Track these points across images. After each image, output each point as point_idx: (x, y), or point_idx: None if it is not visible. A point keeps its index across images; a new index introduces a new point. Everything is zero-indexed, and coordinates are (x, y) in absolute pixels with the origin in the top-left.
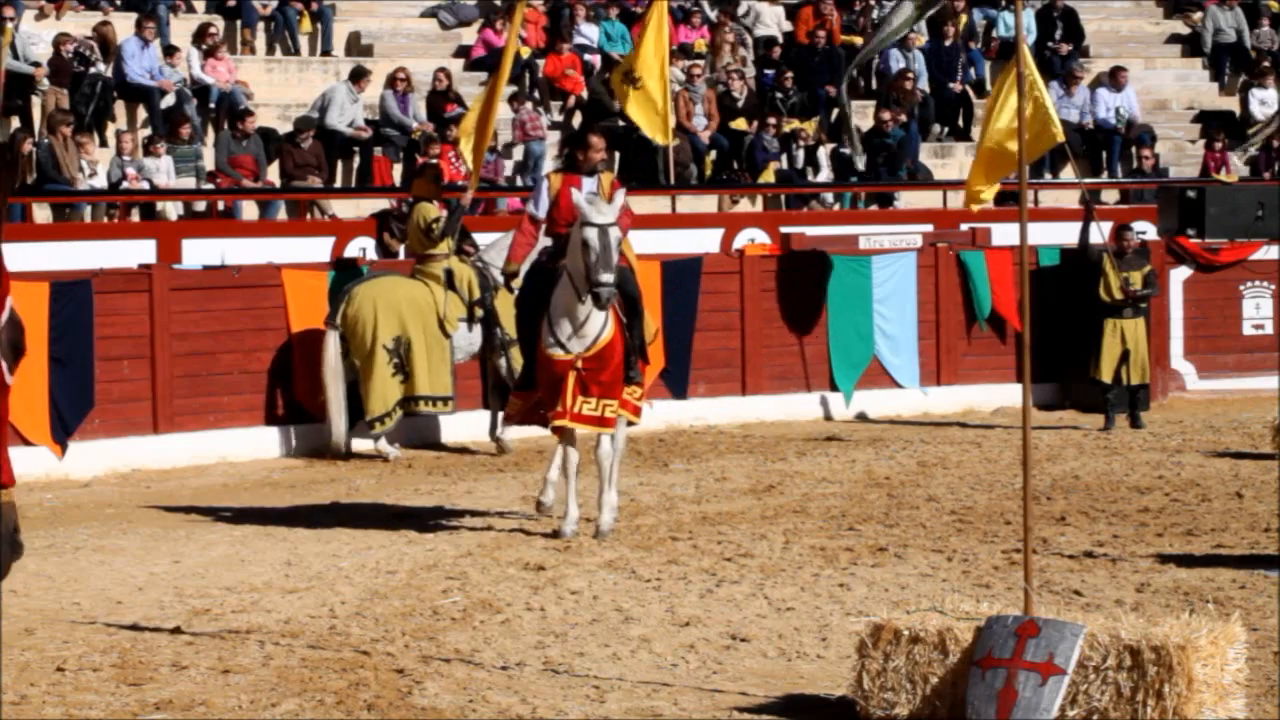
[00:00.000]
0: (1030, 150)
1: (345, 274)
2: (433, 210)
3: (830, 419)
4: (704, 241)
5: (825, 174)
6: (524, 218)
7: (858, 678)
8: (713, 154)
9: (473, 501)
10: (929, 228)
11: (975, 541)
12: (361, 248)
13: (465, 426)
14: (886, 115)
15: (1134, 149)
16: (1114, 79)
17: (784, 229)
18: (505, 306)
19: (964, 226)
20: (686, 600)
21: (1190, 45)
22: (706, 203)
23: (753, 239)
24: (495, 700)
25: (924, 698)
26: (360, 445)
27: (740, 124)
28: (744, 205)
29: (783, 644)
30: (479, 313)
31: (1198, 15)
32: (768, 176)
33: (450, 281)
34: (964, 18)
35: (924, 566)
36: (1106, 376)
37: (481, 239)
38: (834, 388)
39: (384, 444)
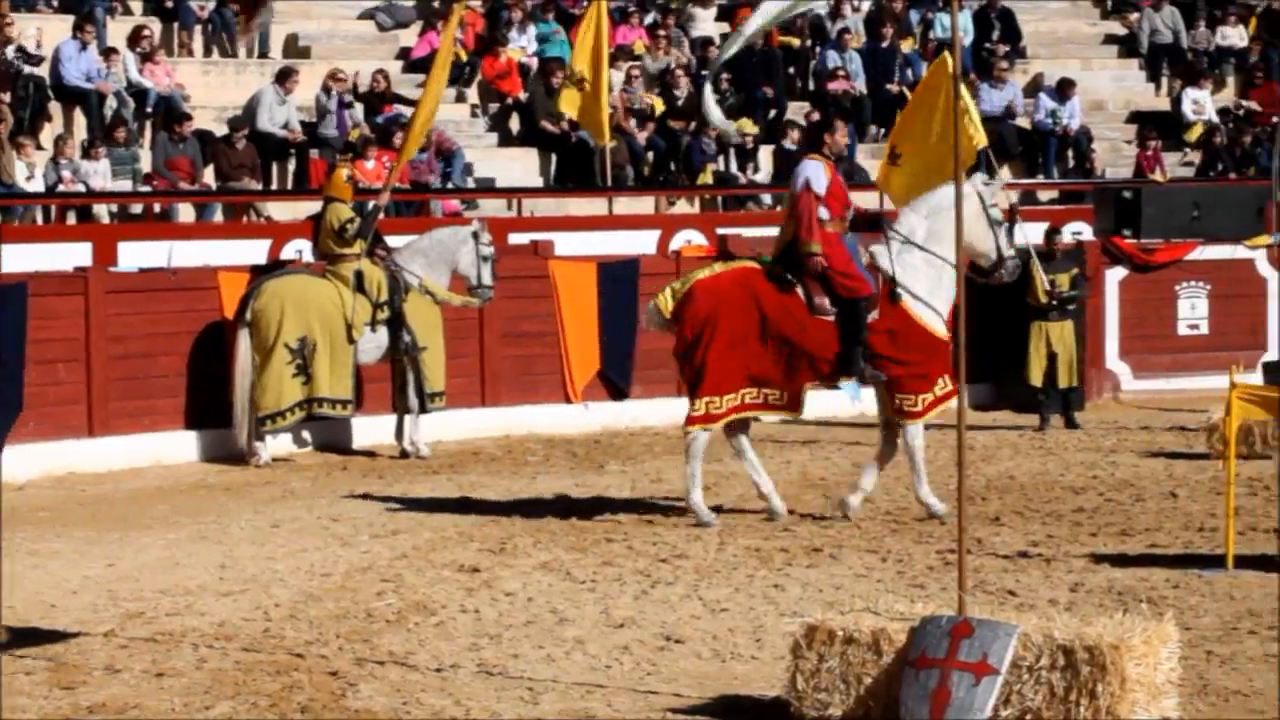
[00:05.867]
0: (948, 159)
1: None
2: (346, 211)
3: (760, 420)
4: (641, 243)
5: (763, 174)
6: (810, 196)
7: (792, 678)
8: (650, 155)
9: (408, 504)
10: None
11: (910, 542)
12: (298, 250)
13: (375, 429)
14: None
15: (1070, 151)
16: (1061, 91)
17: (720, 230)
18: (415, 311)
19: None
20: (621, 601)
21: (1127, 46)
22: (644, 204)
23: (689, 240)
24: (429, 702)
25: (858, 698)
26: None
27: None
28: (681, 206)
29: (717, 645)
30: (384, 314)
31: (1134, 16)
32: (706, 178)
33: (360, 284)
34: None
35: (859, 567)
36: (1036, 380)
37: (401, 240)
38: None
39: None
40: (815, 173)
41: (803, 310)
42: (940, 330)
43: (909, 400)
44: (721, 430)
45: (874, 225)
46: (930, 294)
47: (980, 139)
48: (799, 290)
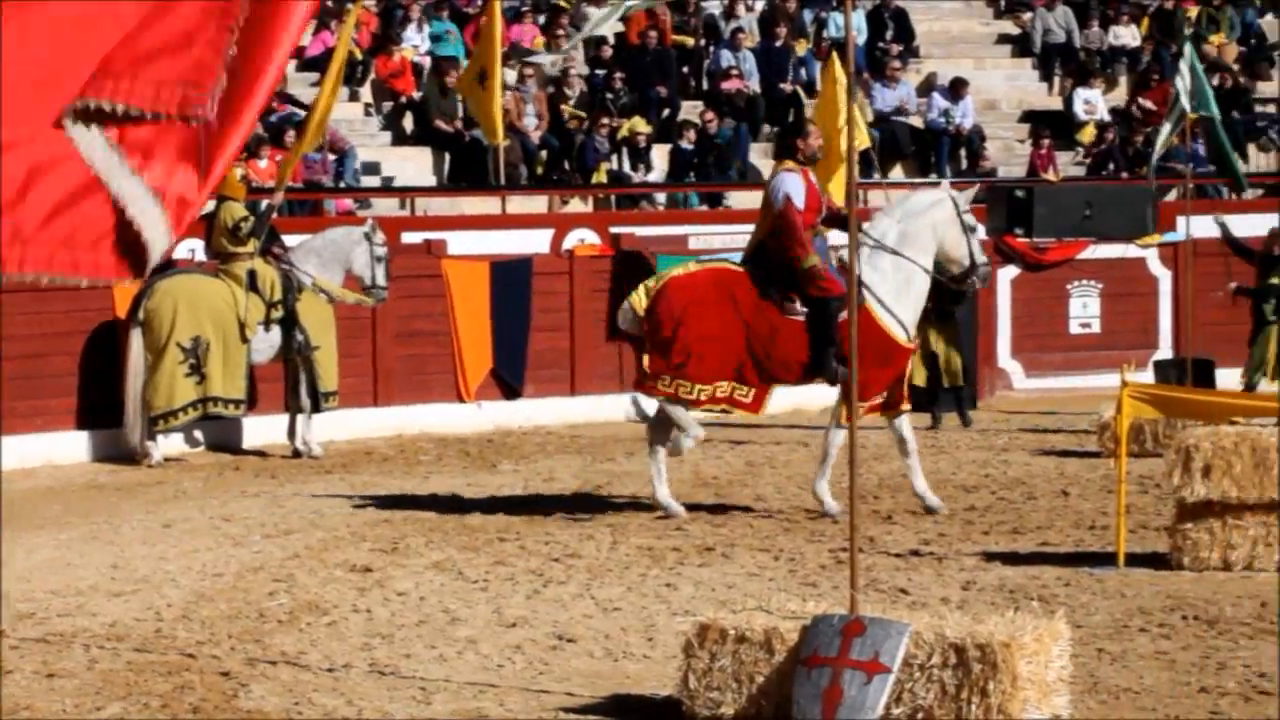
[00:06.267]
0: (835, 158)
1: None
2: (239, 210)
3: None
4: (534, 242)
5: (656, 173)
6: (794, 211)
7: (684, 677)
8: (543, 154)
9: (300, 503)
10: None
11: (802, 540)
12: (191, 249)
13: (268, 429)
14: (711, 115)
15: (963, 150)
16: (954, 91)
17: (614, 229)
18: (308, 311)
19: None
20: (513, 601)
21: (1020, 45)
22: (537, 203)
23: (582, 239)
24: (321, 702)
25: (750, 697)
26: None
27: (573, 121)
28: (574, 205)
29: (609, 644)
30: (277, 313)
31: (1027, 16)
32: (600, 177)
33: (253, 283)
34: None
35: (751, 566)
36: (918, 381)
37: (295, 240)
38: None
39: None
40: (794, 187)
41: (775, 311)
42: (901, 337)
43: (860, 407)
44: (647, 428)
45: (846, 225)
46: (895, 299)
47: (863, 140)
48: (771, 291)
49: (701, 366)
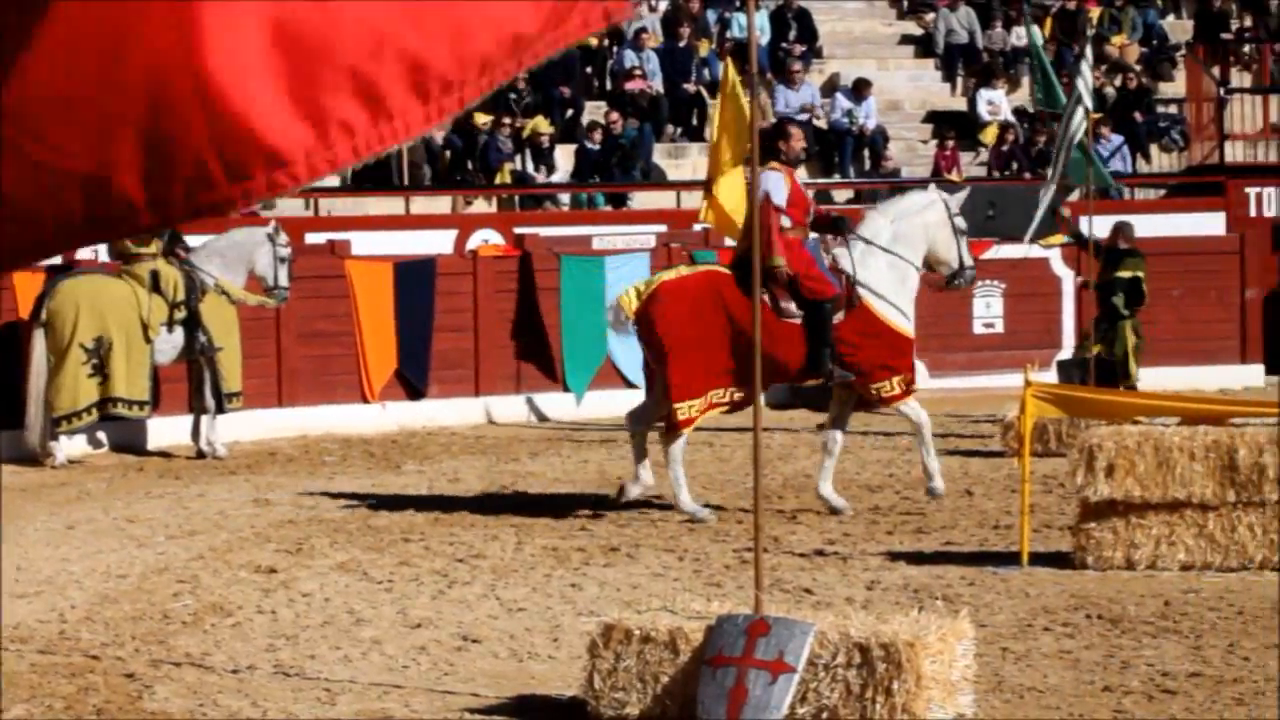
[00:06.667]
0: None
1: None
2: None
3: (545, 420)
4: (438, 243)
5: (560, 173)
6: (770, 210)
7: (589, 678)
8: (447, 154)
9: (204, 504)
10: (663, 228)
11: (707, 541)
12: (94, 250)
13: (171, 430)
14: (615, 116)
15: (866, 150)
16: (857, 91)
17: (518, 229)
18: (211, 312)
19: (697, 227)
20: (418, 602)
21: (923, 46)
22: (440, 203)
23: (486, 240)
24: (226, 704)
25: (655, 697)
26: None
27: (479, 119)
28: (478, 206)
29: (514, 644)
30: (180, 314)
31: (930, 16)
32: (504, 177)
33: (156, 283)
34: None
35: (656, 566)
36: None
37: (198, 240)
38: (566, 388)
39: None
40: (775, 185)
41: (768, 314)
42: (906, 329)
43: (885, 387)
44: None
45: (835, 227)
46: (895, 294)
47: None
48: (764, 294)
49: (694, 380)
